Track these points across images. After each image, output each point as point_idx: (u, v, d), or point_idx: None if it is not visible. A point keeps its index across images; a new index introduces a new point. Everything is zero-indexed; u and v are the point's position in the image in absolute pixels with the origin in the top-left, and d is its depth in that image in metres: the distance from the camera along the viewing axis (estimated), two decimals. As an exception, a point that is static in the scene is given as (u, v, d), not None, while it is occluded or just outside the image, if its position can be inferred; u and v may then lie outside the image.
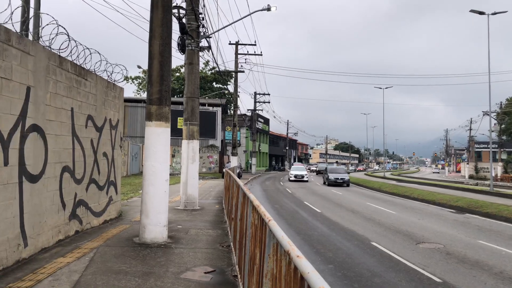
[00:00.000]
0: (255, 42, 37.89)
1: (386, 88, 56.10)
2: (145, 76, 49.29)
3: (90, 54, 8.91)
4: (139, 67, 38.88)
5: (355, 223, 13.66)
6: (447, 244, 10.37)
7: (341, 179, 33.87)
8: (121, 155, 11.49)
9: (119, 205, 11.25)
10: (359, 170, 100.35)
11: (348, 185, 33.99)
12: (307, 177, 38.88)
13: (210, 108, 40.84)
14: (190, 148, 13.52)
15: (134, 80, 53.49)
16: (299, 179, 37.90)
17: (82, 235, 8.39)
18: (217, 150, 40.83)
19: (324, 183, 35.68)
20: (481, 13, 27.83)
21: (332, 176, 33.89)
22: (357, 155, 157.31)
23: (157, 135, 8.15)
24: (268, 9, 22.62)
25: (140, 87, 53.50)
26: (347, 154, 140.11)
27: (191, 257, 7.01)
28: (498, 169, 58.57)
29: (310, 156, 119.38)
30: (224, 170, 19.51)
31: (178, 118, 35.43)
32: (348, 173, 48.18)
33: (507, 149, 68.10)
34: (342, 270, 7.84)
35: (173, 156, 37.51)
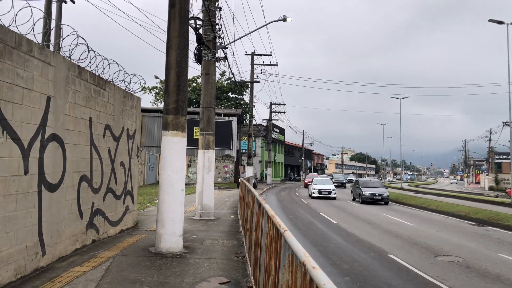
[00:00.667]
0: (270, 52, 38.02)
1: (403, 98, 55.58)
2: (162, 86, 49.90)
3: (109, 64, 9.07)
4: (156, 77, 39.41)
5: (372, 234, 13.47)
6: (466, 257, 10.13)
7: (379, 195, 26.19)
8: (137, 164, 11.60)
9: (135, 214, 11.32)
10: None
11: (387, 203, 26.85)
12: (335, 193, 29.88)
13: (226, 118, 41.03)
14: (206, 157, 13.57)
15: (151, 90, 54.20)
16: (325, 195, 29.25)
17: (99, 244, 8.46)
18: (232, 160, 40.92)
19: (354, 199, 28.74)
20: (500, 22, 27.50)
21: (367, 192, 26.37)
22: (374, 166, 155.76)
23: (174, 144, 8.21)
24: (284, 19, 22.72)
25: (157, 97, 54.16)
26: (364, 165, 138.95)
27: (206, 267, 7.00)
28: (519, 180, 57.19)
29: (326, 167, 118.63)
30: (239, 180, 19.50)
31: (194, 128, 35.66)
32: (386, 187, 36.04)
33: (528, 160, 66.55)
34: (359, 282, 7.71)
35: (189, 166, 37.72)
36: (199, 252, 8.21)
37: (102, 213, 8.90)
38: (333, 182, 46.84)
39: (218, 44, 15.00)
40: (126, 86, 10.38)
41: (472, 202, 27.71)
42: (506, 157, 64.56)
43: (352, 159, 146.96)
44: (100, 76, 8.81)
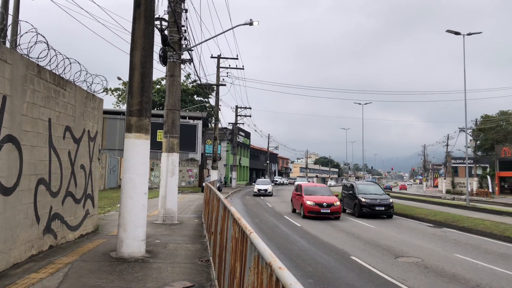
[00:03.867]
0: (237, 56, 38.10)
1: (366, 104, 56.93)
2: (125, 87, 48.88)
3: (70, 64, 8.79)
4: (119, 78, 38.56)
5: (335, 237, 13.68)
6: (425, 258, 10.46)
7: (384, 205, 19.65)
8: (99, 167, 11.28)
9: (96, 219, 10.99)
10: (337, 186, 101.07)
11: (391, 216, 20.23)
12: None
13: (191, 121, 40.66)
14: (170, 161, 13.38)
15: (113, 92, 52.97)
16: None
17: (57, 250, 8.15)
18: (197, 164, 40.54)
19: (345, 210, 21.91)
20: (457, 33, 28.68)
21: (365, 199, 19.79)
22: (337, 170, 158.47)
23: (137, 147, 8.04)
24: (251, 23, 22.80)
25: (120, 99, 52.99)
26: (327, 169, 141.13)
27: (169, 272, 6.87)
28: (473, 184, 59.87)
29: (291, 170, 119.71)
30: (203, 184, 19.38)
31: (158, 130, 35.15)
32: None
33: (482, 165, 69.75)
34: (322, 284, 7.80)
35: (151, 169, 37.07)
36: (162, 256, 8.06)
37: (60, 218, 8.58)
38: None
39: (184, 46, 14.87)
40: (88, 87, 10.09)
41: (430, 204, 28.68)
42: (462, 161, 67.28)
43: (316, 163, 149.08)
44: (61, 75, 8.52)
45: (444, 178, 71.54)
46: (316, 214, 18.03)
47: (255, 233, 3.47)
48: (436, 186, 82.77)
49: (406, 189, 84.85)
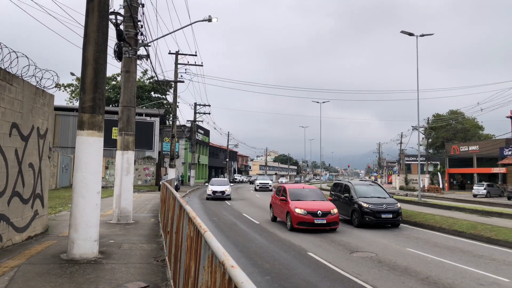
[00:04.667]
0: (195, 52, 37.50)
1: (323, 102, 58.00)
2: (78, 83, 47.19)
3: (17, 57, 8.36)
4: (72, 74, 37.17)
5: (292, 233, 13.83)
6: (379, 253, 10.78)
7: (392, 211, 15.63)
8: (49, 166, 10.81)
9: (45, 219, 10.54)
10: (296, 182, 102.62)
11: (398, 225, 16.13)
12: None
13: (148, 118, 39.84)
14: (125, 159, 13.04)
15: (66, 88, 51.02)
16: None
17: (2, 252, 7.74)
18: (154, 162, 39.80)
19: (351, 222, 16.36)
20: (410, 34, 29.70)
21: (367, 204, 15.68)
22: (296, 167, 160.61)
23: (89, 144, 7.76)
24: (209, 20, 22.61)
25: (73, 95, 51.13)
26: (286, 166, 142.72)
27: (123, 272, 6.69)
28: (425, 180, 62.37)
29: (250, 168, 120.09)
30: (160, 182, 19.01)
31: (113, 128, 34.19)
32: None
33: (433, 162, 72.87)
34: (279, 281, 7.86)
35: (106, 168, 36.02)
36: (116, 257, 7.84)
37: (6, 219, 8.15)
38: (257, 185, 43.60)
39: (140, 42, 14.53)
40: (37, 82, 9.63)
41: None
42: (415, 159, 69.99)
43: (275, 160, 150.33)
44: (7, 70, 8.08)
45: (398, 175, 74.11)
46: (308, 226, 13.87)
47: (210, 232, 3.44)
48: (390, 183, 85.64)
49: None
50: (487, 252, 11.30)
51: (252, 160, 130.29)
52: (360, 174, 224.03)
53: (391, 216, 15.54)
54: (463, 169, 55.48)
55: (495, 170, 48.49)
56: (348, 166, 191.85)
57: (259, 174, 78.34)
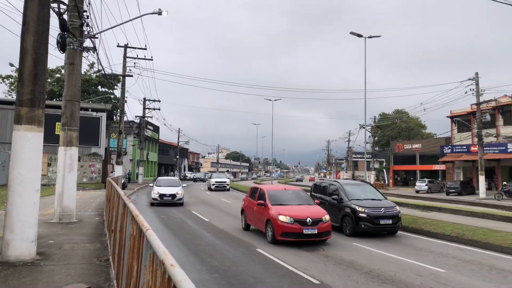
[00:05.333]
0: (145, 46, 36.65)
1: (276, 100, 58.52)
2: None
3: None
4: (11, 65, 35.11)
5: (242, 230, 13.84)
6: (326, 248, 11.01)
7: (391, 216, 13.30)
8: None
9: (-22, 219, 9.85)
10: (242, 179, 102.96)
11: (396, 232, 13.79)
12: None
13: (94, 114, 38.37)
14: (68, 155, 12.48)
15: (5, 80, 48.12)
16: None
17: None
18: (100, 159, 38.42)
19: (344, 230, 13.66)
20: (359, 35, 30.54)
21: (363, 208, 13.28)
22: (247, 164, 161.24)
23: (27, 140, 7.34)
24: (159, 13, 22.09)
25: (13, 87, 48.30)
26: (238, 163, 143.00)
27: (63, 274, 6.38)
28: (371, 177, 64.70)
29: (202, 165, 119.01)
30: (106, 180, 18.41)
31: (57, 123, 32.62)
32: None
33: (379, 159, 75.74)
34: (227, 278, 7.82)
35: (49, 164, 34.36)
36: (55, 258, 7.47)
37: None
38: (212, 184, 37.63)
39: (86, 33, 13.94)
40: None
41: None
42: (362, 156, 72.32)
43: (227, 157, 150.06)
44: None
45: (346, 172, 76.43)
46: (296, 237, 11.14)
47: (159, 231, 3.35)
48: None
49: (314, 181, 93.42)
50: (426, 244, 11.87)
51: (203, 157, 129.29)
52: (310, 171, 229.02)
53: (390, 222, 13.07)
54: (406, 166, 58.05)
55: (436, 167, 51.14)
56: (299, 163, 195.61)
57: (211, 171, 77.62)
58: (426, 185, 43.96)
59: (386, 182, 57.86)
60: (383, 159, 74.19)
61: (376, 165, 72.61)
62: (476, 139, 36.22)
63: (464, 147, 42.83)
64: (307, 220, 11.23)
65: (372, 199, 14.11)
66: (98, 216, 14.03)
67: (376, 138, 71.49)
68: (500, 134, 40.93)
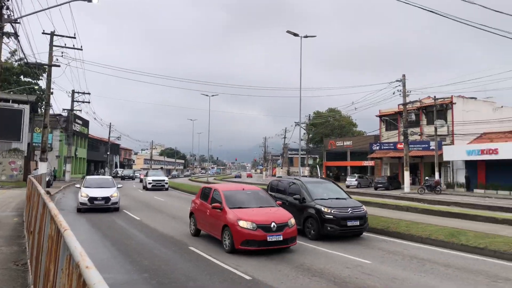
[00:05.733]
0: (74, 35, 34.52)
1: (213, 95, 58.14)
2: None
3: None
4: None
5: (175, 228, 13.55)
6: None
7: (359, 217, 12.28)
8: None
9: None
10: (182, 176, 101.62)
11: (361, 234, 12.76)
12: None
13: (15, 105, 35.66)
14: (-17, 150, 11.44)
15: None
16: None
17: None
18: (22, 155, 35.85)
19: (307, 233, 12.36)
20: (295, 34, 31.07)
21: (329, 208, 12.06)
22: (183, 161, 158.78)
23: None
24: (90, 0, 20.97)
25: None
26: (173, 160, 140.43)
27: (-28, 280, 5.81)
28: (305, 172, 66.71)
29: (134, 162, 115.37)
30: (28, 177, 17.16)
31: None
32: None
33: (313, 156, 78.18)
34: (157, 277, 7.58)
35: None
36: (-35, 263, 6.79)
37: None
38: (148, 183, 33.95)
39: (6, 17, 12.88)
40: None
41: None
42: (297, 152, 74.19)
43: (161, 154, 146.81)
44: None
45: (281, 168, 77.94)
46: (259, 245, 9.71)
47: (71, 230, 3.12)
48: (275, 175, 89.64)
49: (251, 177, 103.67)
50: (354, 238, 12.31)
51: (136, 153, 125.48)
52: (247, 168, 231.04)
53: (358, 223, 12.00)
54: (338, 162, 60.34)
55: (365, 163, 53.67)
56: (236, 160, 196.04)
57: (144, 169, 75.39)
58: (356, 180, 46.05)
59: (319, 177, 59.82)
60: (317, 156, 76.68)
61: (310, 161, 74.90)
62: (402, 137, 38.41)
63: (391, 144, 45.35)
64: (272, 226, 9.80)
65: (337, 198, 12.97)
66: (17, 217, 13.04)
67: (310, 135, 73.70)
68: (423, 132, 43.86)
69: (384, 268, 8.60)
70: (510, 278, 7.93)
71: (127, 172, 65.73)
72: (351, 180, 46.14)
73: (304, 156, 63.90)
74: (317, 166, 66.08)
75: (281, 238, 9.81)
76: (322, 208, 11.98)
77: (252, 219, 9.85)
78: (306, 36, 31.68)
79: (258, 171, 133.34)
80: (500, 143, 34.52)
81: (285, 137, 78.53)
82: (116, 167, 77.94)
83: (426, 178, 38.89)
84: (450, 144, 40.26)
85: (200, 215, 11.91)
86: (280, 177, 17.50)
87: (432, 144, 39.56)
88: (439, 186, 35.41)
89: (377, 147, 47.24)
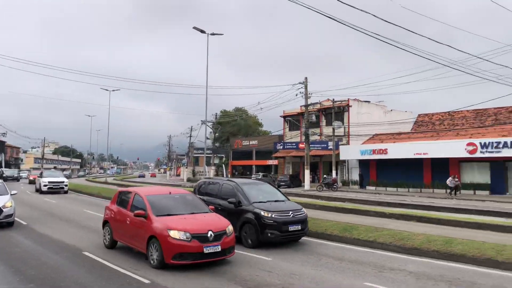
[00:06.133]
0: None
1: (113, 90, 55.32)
2: None
3: None
4: None
5: (67, 232, 12.58)
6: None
7: (300, 221, 11.57)
8: None
9: None
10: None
11: (299, 238, 11.99)
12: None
13: None
14: None
15: None
16: None
17: None
18: None
19: (244, 241, 11.22)
20: (202, 31, 30.82)
21: (269, 213, 11.10)
22: (79, 160, 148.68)
23: None
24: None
25: None
26: (69, 159, 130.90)
27: None
28: (211, 172, 66.50)
29: (22, 161, 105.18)
30: None
31: None
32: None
33: (219, 155, 78.38)
34: (46, 287, 6.92)
35: None
36: None
37: None
38: (43, 185, 30.04)
39: None
40: None
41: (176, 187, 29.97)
42: (203, 152, 73.75)
43: (55, 152, 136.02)
44: None
45: (186, 167, 76.87)
46: (194, 258, 8.42)
47: None
48: (179, 175, 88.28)
49: (155, 177, 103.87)
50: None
51: (25, 152, 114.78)
52: (150, 167, 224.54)
53: (299, 227, 11.22)
54: (244, 161, 61.33)
55: (270, 162, 55.26)
56: (138, 159, 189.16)
57: (33, 168, 69.10)
58: (260, 179, 47.24)
59: (225, 176, 60.19)
60: (223, 155, 77.01)
61: (216, 161, 74.97)
62: (304, 137, 40.19)
63: (294, 144, 47.27)
64: (209, 235, 8.55)
65: (275, 201, 11.89)
66: None
67: (216, 134, 73.82)
68: (323, 133, 46.42)
69: (285, 265, 8.84)
70: (394, 268, 8.64)
71: (11, 172, 55.97)
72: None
73: (210, 155, 63.69)
74: (223, 165, 66.42)
75: (219, 249, 8.60)
76: (262, 213, 10.90)
77: (185, 228, 8.49)
78: (213, 34, 31.66)
79: (162, 171, 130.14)
80: (389, 143, 37.78)
81: (191, 136, 77.47)
82: (1, 166, 70.35)
83: (324, 176, 41.22)
84: (346, 144, 43.13)
85: (118, 224, 10.13)
86: (210, 178, 15.34)
87: (330, 144, 42.00)
88: (336, 184, 37.74)
89: (281, 147, 48.91)
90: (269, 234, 10.66)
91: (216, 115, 72.74)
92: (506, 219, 15.59)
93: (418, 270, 8.49)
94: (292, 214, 11.22)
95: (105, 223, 10.77)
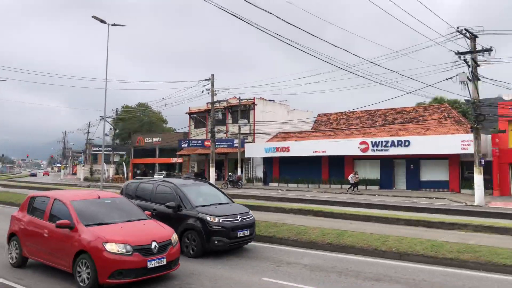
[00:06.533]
0: None
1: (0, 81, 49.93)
2: None
3: None
4: None
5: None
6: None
7: (249, 225, 10.48)
8: None
9: None
10: None
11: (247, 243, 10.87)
12: None
13: None
14: None
15: None
16: None
17: None
18: None
19: (186, 250, 9.95)
20: (102, 21, 28.92)
21: (215, 218, 9.93)
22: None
23: None
24: None
25: None
26: None
27: None
28: (110, 170, 63.42)
29: None
30: None
31: None
32: None
33: (119, 152, 74.92)
34: None
35: None
36: None
37: None
38: None
39: None
40: None
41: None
42: (101, 149, 69.98)
43: None
44: None
45: (83, 166, 72.37)
46: (137, 275, 7.17)
47: None
48: (75, 174, 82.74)
49: (48, 175, 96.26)
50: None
51: None
52: (42, 165, 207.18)
53: (248, 232, 10.24)
54: (146, 159, 59.36)
55: (174, 160, 54.21)
56: (27, 156, 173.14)
57: None
58: (164, 177, 46.16)
59: (125, 175, 57.87)
60: (123, 152, 73.77)
61: (116, 158, 71.70)
62: (209, 135, 40.12)
63: (200, 141, 46.96)
64: (153, 246, 7.37)
65: (220, 204, 10.81)
66: None
67: (117, 130, 70.50)
68: (229, 130, 46.81)
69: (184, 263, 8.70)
70: (291, 262, 9.01)
71: None
72: (159, 177, 46.00)
73: (109, 152, 60.83)
74: (124, 163, 63.70)
75: (165, 262, 7.44)
76: (208, 218, 9.76)
77: (125, 240, 7.18)
78: (114, 25, 30.01)
79: (56, 169, 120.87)
80: (291, 141, 39.39)
81: (88, 132, 73.10)
82: None
83: (230, 174, 41.63)
84: (251, 142, 44.02)
85: (31, 238, 8.42)
86: (141, 178, 13.49)
87: (236, 142, 42.54)
88: (240, 181, 38.36)
89: (186, 144, 48.29)
90: (216, 242, 9.62)
91: (117, 111, 69.49)
92: (390, 211, 17.16)
93: (312, 262, 8.94)
94: (240, 218, 10.19)
95: (12, 236, 8.95)
